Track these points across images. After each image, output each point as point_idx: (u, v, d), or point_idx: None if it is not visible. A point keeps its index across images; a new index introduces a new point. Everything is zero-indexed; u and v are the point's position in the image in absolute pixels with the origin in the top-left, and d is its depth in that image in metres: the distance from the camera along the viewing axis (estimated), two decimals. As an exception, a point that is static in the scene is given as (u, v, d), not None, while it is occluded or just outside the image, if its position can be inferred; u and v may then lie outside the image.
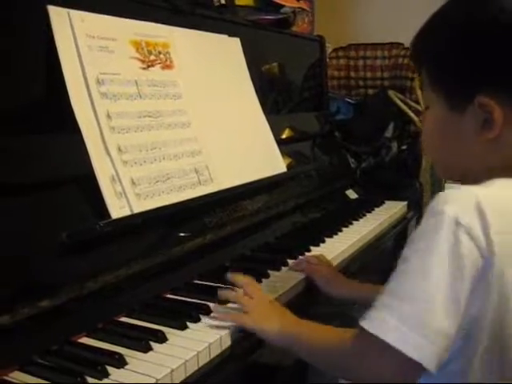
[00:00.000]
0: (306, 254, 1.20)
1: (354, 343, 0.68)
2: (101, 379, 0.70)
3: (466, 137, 0.71)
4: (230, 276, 0.95)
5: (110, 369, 0.72)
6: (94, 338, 0.81)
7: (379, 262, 1.40)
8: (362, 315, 0.67)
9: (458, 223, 0.62)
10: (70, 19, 0.98)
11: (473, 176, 0.72)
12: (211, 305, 0.90)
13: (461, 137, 0.72)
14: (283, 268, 1.11)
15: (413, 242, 0.66)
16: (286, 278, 1.07)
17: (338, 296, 1.08)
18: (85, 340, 0.81)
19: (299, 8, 1.96)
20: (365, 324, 0.65)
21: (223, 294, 0.92)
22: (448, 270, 0.62)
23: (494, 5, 0.68)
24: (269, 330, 0.83)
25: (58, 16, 0.96)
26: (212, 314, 0.88)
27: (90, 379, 0.70)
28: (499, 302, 0.64)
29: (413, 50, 0.80)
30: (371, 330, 0.64)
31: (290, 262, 1.13)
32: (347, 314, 1.62)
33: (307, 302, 1.08)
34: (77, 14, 0.99)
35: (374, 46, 2.38)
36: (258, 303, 0.88)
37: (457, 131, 0.72)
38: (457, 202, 0.65)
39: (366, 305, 1.08)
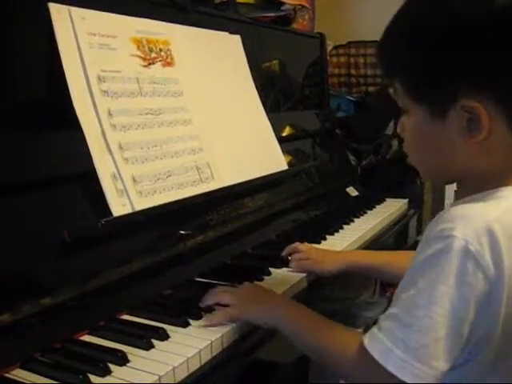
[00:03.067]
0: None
1: (356, 359, 0.69)
2: (103, 377, 0.70)
3: (453, 142, 0.67)
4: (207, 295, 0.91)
5: (112, 366, 0.72)
6: (95, 336, 0.81)
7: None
8: (368, 331, 0.68)
9: (467, 251, 0.61)
10: (71, 17, 0.98)
11: (469, 180, 0.70)
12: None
13: (447, 143, 0.68)
14: (284, 266, 1.11)
15: (422, 266, 0.65)
16: (287, 276, 1.07)
17: (334, 271, 1.09)
18: (87, 338, 0.81)
19: (299, 5, 1.95)
20: (370, 347, 0.66)
21: (205, 301, 0.89)
22: (454, 301, 0.62)
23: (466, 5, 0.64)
24: (257, 313, 0.84)
25: (58, 13, 0.96)
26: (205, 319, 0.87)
27: (92, 377, 0.70)
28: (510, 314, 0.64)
29: (382, 59, 0.75)
30: (375, 356, 0.65)
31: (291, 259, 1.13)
32: (348, 311, 1.62)
33: (308, 299, 1.08)
34: (78, 12, 0.99)
35: (375, 43, 2.36)
36: (240, 293, 0.89)
37: (442, 138, 0.68)
38: (466, 224, 0.63)
39: (361, 272, 1.07)
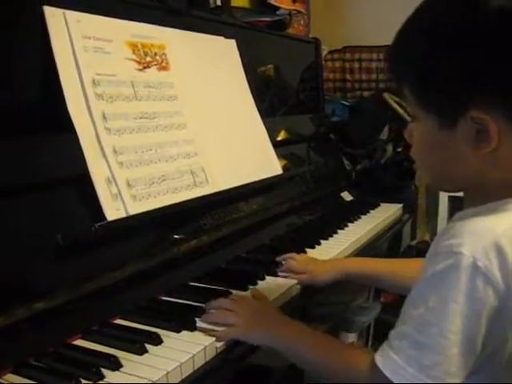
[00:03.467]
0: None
1: (368, 377, 0.69)
2: (95, 381, 0.70)
3: (461, 152, 0.66)
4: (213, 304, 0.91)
5: (104, 371, 0.72)
6: (88, 340, 0.81)
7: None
8: (378, 350, 0.68)
9: (475, 267, 0.61)
10: (66, 20, 0.97)
11: (476, 190, 0.70)
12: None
13: (455, 153, 0.67)
14: (278, 270, 1.11)
15: (431, 282, 0.65)
16: (281, 281, 1.06)
17: (329, 281, 1.09)
18: (80, 342, 0.81)
19: (295, 10, 1.96)
20: (382, 365, 0.66)
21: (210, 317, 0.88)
22: (465, 318, 0.62)
23: (487, 5, 0.62)
24: (259, 337, 0.84)
25: (53, 17, 0.95)
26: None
27: (84, 381, 0.70)
28: None
29: (391, 65, 0.73)
30: (388, 374, 0.65)
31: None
32: (342, 315, 1.62)
33: (302, 304, 1.08)
34: (73, 15, 0.99)
35: (370, 48, 2.39)
36: (243, 313, 0.87)
37: (450, 147, 0.67)
38: (474, 239, 0.63)
39: (356, 280, 1.10)
